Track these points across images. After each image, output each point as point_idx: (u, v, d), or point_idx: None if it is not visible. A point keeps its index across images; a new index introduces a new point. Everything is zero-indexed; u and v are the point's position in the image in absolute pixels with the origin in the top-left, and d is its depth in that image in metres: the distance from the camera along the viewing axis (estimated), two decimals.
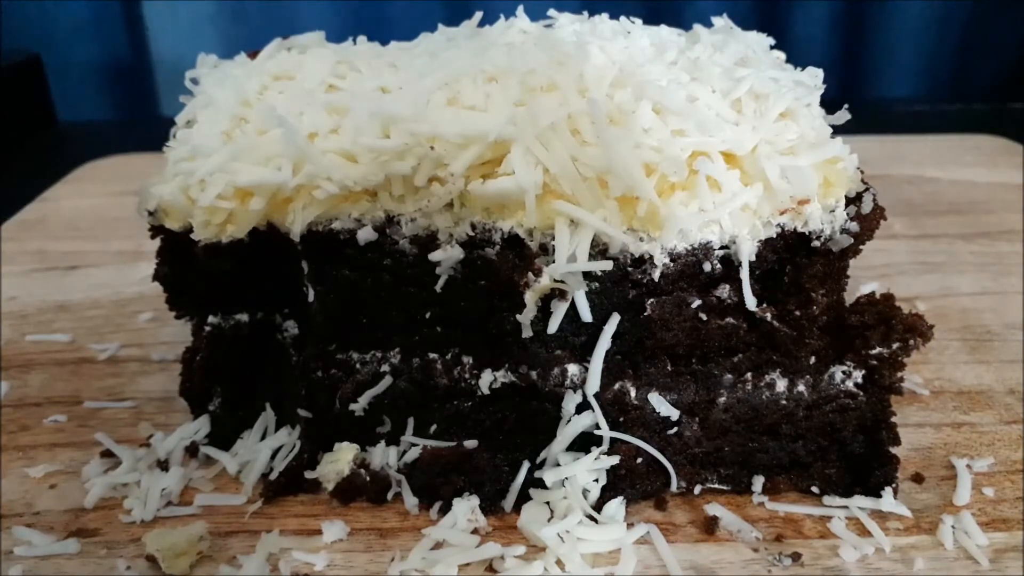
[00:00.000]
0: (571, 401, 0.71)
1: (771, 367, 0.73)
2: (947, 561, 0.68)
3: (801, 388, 0.74)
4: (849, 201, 0.67)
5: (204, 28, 1.94)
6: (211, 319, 0.79)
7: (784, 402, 0.74)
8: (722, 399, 0.73)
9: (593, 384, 0.69)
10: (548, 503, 0.72)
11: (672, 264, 0.67)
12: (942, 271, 1.14)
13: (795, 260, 0.68)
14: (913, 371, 0.90)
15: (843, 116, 0.70)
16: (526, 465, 0.74)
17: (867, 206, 0.66)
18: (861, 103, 1.99)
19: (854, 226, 0.66)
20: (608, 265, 0.65)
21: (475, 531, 0.71)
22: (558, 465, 0.72)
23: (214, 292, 0.76)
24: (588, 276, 0.66)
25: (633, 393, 0.72)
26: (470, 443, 0.74)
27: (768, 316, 0.70)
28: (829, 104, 0.73)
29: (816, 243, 0.67)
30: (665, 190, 0.65)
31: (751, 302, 0.68)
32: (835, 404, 0.74)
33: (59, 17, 1.95)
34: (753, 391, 0.73)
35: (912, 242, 1.23)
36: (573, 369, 0.71)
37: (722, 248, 0.67)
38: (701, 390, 0.74)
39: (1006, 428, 0.83)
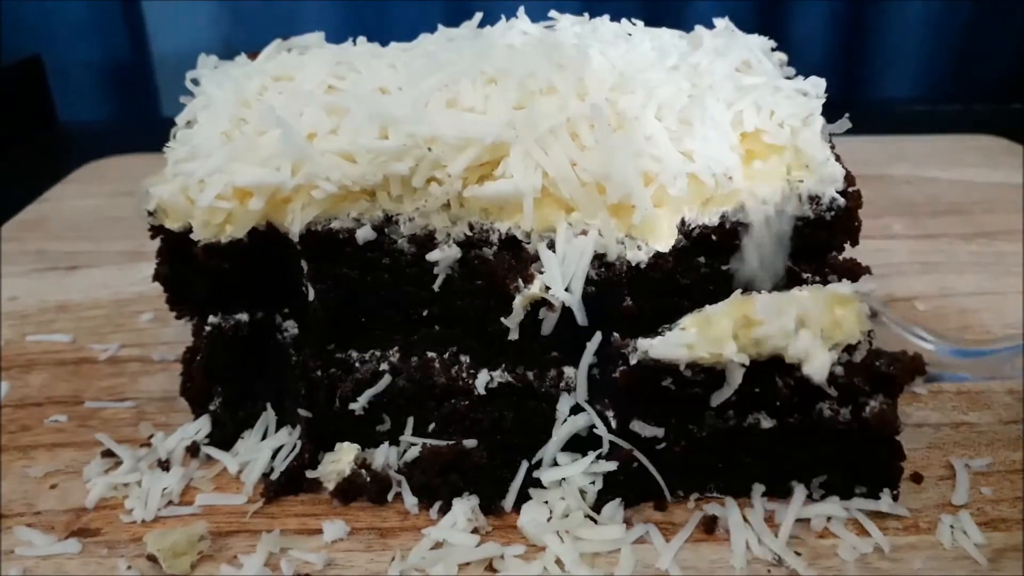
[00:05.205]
0: (565, 403, 0.71)
1: None
2: (946, 561, 0.68)
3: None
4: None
5: (204, 28, 1.94)
6: (211, 319, 0.79)
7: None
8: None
9: (582, 392, 0.69)
10: (547, 503, 0.73)
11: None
12: (941, 271, 1.14)
13: None
14: None
15: (844, 125, 0.70)
16: (525, 465, 0.74)
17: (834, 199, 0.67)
18: (861, 103, 2.00)
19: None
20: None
21: (475, 531, 0.71)
22: (556, 465, 0.72)
23: (214, 292, 0.76)
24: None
25: None
26: (469, 442, 0.75)
27: None
28: (829, 105, 0.73)
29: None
30: (662, 198, 0.65)
31: None
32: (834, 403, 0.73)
33: (59, 17, 1.95)
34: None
35: (912, 242, 1.23)
36: (569, 371, 0.71)
37: None
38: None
39: (1005, 428, 0.83)
